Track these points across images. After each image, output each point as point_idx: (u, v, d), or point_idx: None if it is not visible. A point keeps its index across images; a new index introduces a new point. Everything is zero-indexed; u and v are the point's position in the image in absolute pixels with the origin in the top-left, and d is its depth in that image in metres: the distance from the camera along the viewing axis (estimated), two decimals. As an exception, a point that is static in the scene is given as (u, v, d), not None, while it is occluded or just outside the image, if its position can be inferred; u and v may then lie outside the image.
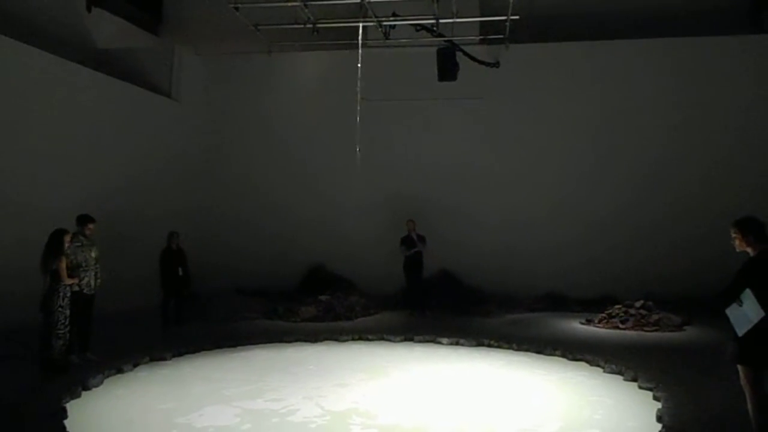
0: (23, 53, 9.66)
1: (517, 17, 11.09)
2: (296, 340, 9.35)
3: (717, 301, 4.48)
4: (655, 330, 9.91)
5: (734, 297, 4.31)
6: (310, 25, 11.26)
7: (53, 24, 12.15)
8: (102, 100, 11.46)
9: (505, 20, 11.29)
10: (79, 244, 7.57)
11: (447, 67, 11.34)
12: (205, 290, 12.06)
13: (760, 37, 12.45)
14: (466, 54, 11.66)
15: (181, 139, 13.78)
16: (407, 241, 11.63)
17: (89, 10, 13.35)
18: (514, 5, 10.63)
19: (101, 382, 6.77)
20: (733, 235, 4.53)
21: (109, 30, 13.96)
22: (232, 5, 10.76)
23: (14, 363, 7.23)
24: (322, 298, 11.87)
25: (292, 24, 11.44)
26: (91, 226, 7.73)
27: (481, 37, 12.70)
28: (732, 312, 4.31)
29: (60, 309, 6.97)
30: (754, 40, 12.44)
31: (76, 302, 7.26)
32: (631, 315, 10.38)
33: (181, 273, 10.05)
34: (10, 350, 7.68)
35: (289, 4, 10.47)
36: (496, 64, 12.46)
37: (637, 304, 10.59)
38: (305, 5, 10.69)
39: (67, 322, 7.04)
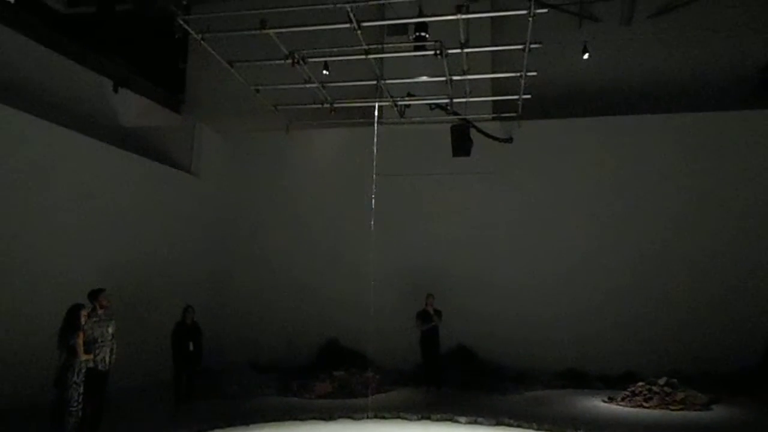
0: (49, 131, 10.01)
1: (528, 96, 11.39)
2: (310, 418, 9.14)
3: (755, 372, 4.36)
4: (681, 409, 9.59)
5: None
6: (328, 105, 11.65)
7: (81, 104, 12.69)
8: (124, 176, 11.77)
9: (517, 99, 11.60)
10: (96, 319, 7.60)
11: (461, 143, 11.60)
12: (218, 365, 11.93)
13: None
14: (479, 130, 11.94)
15: (200, 213, 14.03)
16: (423, 316, 11.50)
17: (116, 90, 13.95)
18: (525, 84, 10.94)
19: (112, 462, 6.63)
20: None
21: (134, 109, 14.54)
22: (253, 87, 11.21)
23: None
24: (337, 373, 11.67)
25: (311, 104, 11.84)
26: (103, 296, 7.76)
27: (494, 115, 13.00)
28: None
29: (74, 385, 6.91)
30: (763, 115, 12.62)
31: (89, 379, 7.21)
32: (655, 393, 10.07)
33: (191, 348, 9.95)
34: (21, 426, 7.58)
35: (308, 85, 10.87)
36: (509, 140, 12.70)
37: (661, 381, 10.29)
38: (323, 86, 11.10)
39: (80, 399, 6.97)
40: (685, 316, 12.21)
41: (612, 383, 11.40)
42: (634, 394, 10.22)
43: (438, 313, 11.47)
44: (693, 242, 12.58)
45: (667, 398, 9.90)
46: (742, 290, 12.10)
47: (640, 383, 10.41)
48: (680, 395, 9.89)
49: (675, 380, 10.28)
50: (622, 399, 10.21)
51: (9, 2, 12.96)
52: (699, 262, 12.45)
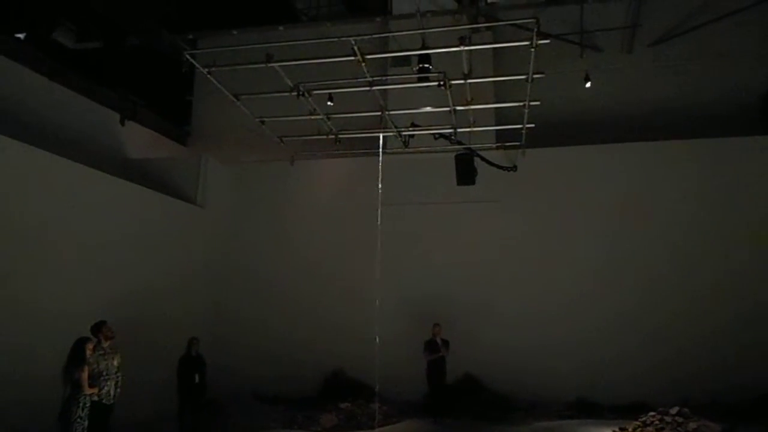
0: (55, 164, 10.05)
1: (532, 126, 11.46)
2: (317, 452, 9.02)
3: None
4: (694, 439, 9.42)
5: None
6: (332, 136, 11.76)
7: (88, 137, 12.82)
8: (130, 208, 11.79)
9: (521, 128, 11.67)
10: (101, 352, 7.57)
11: (465, 172, 11.64)
12: (223, 397, 11.81)
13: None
14: (483, 159, 11.98)
15: (205, 244, 14.04)
16: (430, 346, 11.43)
17: (123, 123, 14.13)
18: (528, 113, 11.02)
19: (116, 499, 6.53)
20: None
21: (140, 142, 14.71)
22: (258, 119, 11.33)
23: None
24: (343, 405, 11.56)
25: (315, 135, 11.95)
26: (106, 328, 7.74)
27: (498, 144, 13.07)
28: None
29: (78, 420, 6.87)
30: (766, 141, 12.65)
31: (94, 412, 7.15)
32: (667, 423, 9.89)
33: (197, 380, 9.89)
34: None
35: (312, 117, 10.99)
36: (514, 168, 12.73)
37: (673, 410, 10.13)
38: (328, 118, 11.21)
39: (84, 434, 6.91)
40: (696, 344, 12.04)
41: (623, 413, 11.20)
42: (645, 424, 10.04)
43: (445, 343, 11.41)
44: (701, 268, 12.49)
45: (679, 428, 9.72)
46: (753, 316, 11.97)
47: (652, 413, 10.25)
48: (692, 425, 9.71)
49: (687, 410, 10.12)
50: (634, 429, 10.03)
51: (18, 37, 13.24)
52: (708, 288, 12.34)
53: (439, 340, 11.43)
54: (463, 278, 13.27)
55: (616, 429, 10.27)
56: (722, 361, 11.71)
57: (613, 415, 11.37)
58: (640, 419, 10.21)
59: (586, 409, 11.86)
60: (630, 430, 10.06)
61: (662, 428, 9.81)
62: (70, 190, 10.34)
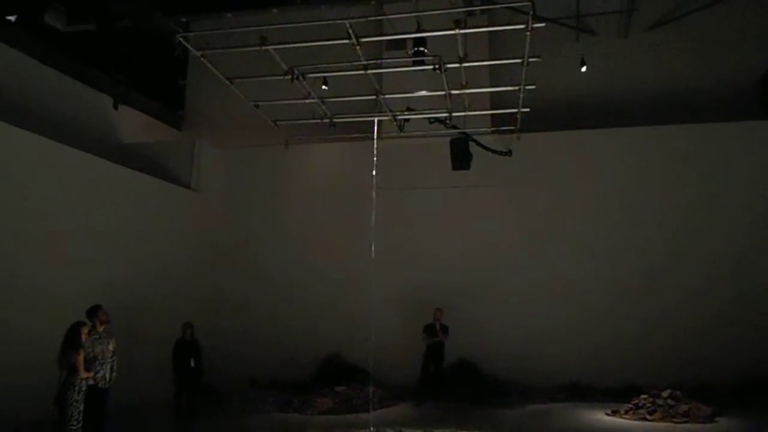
0: (49, 148, 10.01)
1: (528, 110, 11.41)
2: (312, 435, 9.09)
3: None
4: (685, 421, 9.51)
5: None
6: (327, 120, 11.69)
7: (81, 121, 12.72)
8: (124, 192, 11.76)
9: (516, 112, 11.63)
10: (96, 336, 7.57)
11: (460, 157, 11.60)
12: (219, 381, 11.85)
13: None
14: (478, 144, 11.95)
15: (199, 228, 14.00)
16: (429, 330, 11.49)
17: (116, 107, 14.00)
18: (524, 97, 10.97)
19: (112, 482, 6.57)
20: None
21: (134, 126, 14.60)
22: (253, 102, 11.25)
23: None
24: (339, 389, 11.61)
25: (310, 119, 11.88)
26: (102, 312, 7.74)
27: (493, 128, 13.03)
28: None
29: (74, 404, 6.87)
30: (762, 125, 12.66)
31: (90, 397, 7.16)
32: (659, 405, 10.00)
33: (192, 364, 9.91)
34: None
35: (307, 101, 10.91)
36: (509, 153, 12.70)
37: (665, 393, 10.23)
38: (322, 102, 11.14)
39: (80, 418, 6.93)
40: (688, 328, 12.14)
41: (616, 396, 11.31)
42: (637, 406, 10.16)
43: (444, 328, 11.46)
44: (695, 253, 12.54)
45: (671, 411, 9.84)
46: (745, 301, 12.06)
47: (644, 396, 10.36)
48: (684, 408, 9.83)
49: (679, 392, 10.23)
50: (626, 412, 10.15)
51: (8, 20, 13.06)
52: (702, 274, 12.40)
53: (438, 325, 11.49)
54: (458, 263, 13.30)
55: (609, 411, 10.39)
56: (714, 345, 11.81)
57: (605, 398, 11.49)
58: (632, 402, 10.33)
59: (580, 392, 11.98)
60: (622, 412, 10.18)
61: (654, 411, 9.92)
62: (63, 175, 10.29)
